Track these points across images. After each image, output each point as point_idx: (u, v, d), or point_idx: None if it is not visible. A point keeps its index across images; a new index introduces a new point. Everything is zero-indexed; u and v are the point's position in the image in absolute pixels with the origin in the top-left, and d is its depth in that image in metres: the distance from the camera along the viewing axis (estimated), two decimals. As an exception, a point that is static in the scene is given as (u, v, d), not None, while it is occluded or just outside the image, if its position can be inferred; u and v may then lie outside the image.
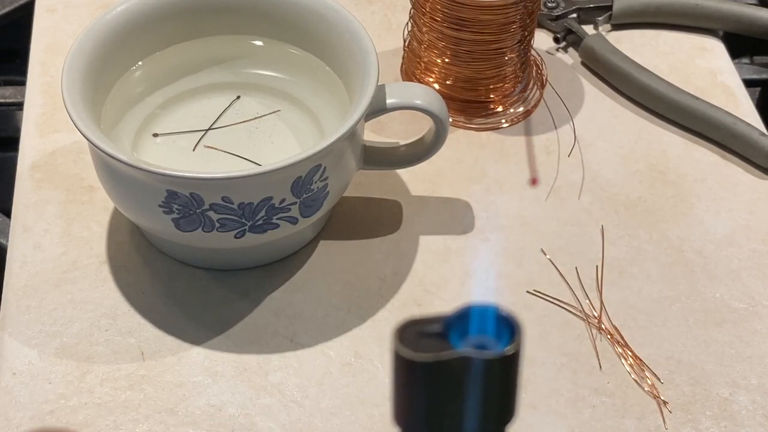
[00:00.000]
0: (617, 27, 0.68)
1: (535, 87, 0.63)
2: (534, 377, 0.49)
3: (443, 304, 0.51)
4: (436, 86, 0.60)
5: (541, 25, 0.67)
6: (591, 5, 0.67)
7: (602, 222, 0.56)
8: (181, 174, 0.45)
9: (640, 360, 0.50)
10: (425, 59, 0.60)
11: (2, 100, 0.67)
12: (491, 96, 0.61)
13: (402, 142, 0.54)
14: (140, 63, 0.54)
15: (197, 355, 0.49)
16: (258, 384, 0.48)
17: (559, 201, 0.57)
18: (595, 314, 0.51)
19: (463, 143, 0.59)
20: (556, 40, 0.66)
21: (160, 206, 0.47)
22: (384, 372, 0.49)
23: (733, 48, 0.68)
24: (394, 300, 0.51)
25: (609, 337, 0.50)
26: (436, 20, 0.57)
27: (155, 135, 0.53)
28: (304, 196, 0.48)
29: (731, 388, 0.49)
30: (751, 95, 0.65)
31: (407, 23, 0.61)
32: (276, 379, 0.48)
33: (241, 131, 0.53)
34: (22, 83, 0.63)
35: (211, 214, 0.47)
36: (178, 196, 0.46)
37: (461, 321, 0.21)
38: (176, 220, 0.48)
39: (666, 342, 0.51)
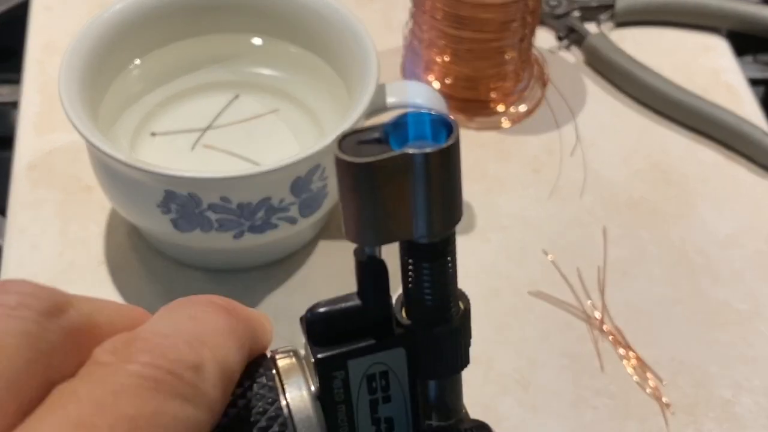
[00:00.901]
0: (620, 25, 0.67)
1: (537, 86, 0.62)
2: (535, 379, 0.48)
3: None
4: (437, 85, 0.60)
5: (542, 24, 0.66)
6: (593, 4, 0.67)
7: (604, 222, 0.55)
8: (179, 174, 0.45)
9: (643, 361, 0.49)
10: (425, 58, 0.60)
11: (-3, 99, 0.67)
12: (492, 95, 0.60)
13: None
14: (138, 61, 0.54)
15: (195, 356, 0.48)
16: (257, 386, 0.47)
17: (560, 201, 0.56)
18: (597, 315, 0.51)
19: (463, 142, 0.58)
20: (559, 39, 0.66)
21: (158, 206, 0.47)
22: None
23: (737, 46, 0.67)
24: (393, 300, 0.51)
25: (611, 338, 0.50)
26: (437, 18, 0.57)
27: (153, 134, 0.53)
28: (304, 195, 0.48)
29: (734, 390, 0.48)
30: (755, 94, 0.64)
31: (407, 22, 0.60)
32: (275, 380, 0.48)
33: (240, 130, 0.53)
34: (18, 82, 0.63)
35: (209, 214, 0.47)
36: (176, 196, 0.46)
37: (399, 127, 0.21)
38: (174, 221, 0.47)
39: (668, 343, 0.50)
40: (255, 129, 0.53)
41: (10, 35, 0.70)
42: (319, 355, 0.23)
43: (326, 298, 0.24)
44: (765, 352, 0.50)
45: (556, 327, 0.50)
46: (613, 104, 0.63)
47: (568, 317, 0.51)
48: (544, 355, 0.49)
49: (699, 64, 0.65)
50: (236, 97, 0.54)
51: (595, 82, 0.64)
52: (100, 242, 0.53)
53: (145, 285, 0.51)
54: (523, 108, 0.61)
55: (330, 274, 0.52)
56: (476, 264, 0.53)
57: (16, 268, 0.52)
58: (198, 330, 0.21)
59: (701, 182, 0.58)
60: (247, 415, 0.22)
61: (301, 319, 0.24)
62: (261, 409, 0.22)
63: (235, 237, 0.48)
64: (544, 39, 0.66)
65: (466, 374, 0.25)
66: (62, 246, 0.53)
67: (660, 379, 0.49)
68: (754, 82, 0.67)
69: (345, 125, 0.47)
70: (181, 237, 0.48)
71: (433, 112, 0.21)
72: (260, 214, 0.47)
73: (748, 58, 0.71)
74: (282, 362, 0.23)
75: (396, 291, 0.24)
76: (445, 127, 0.21)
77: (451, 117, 0.21)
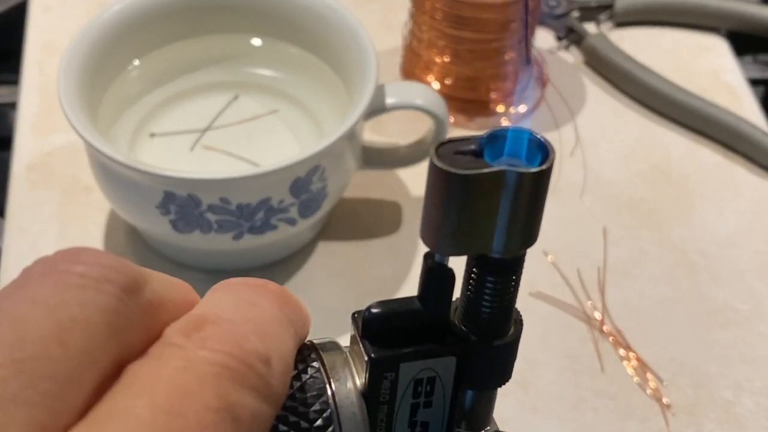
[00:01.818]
0: (619, 25, 0.67)
1: (537, 86, 0.62)
2: (536, 379, 0.48)
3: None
4: (436, 85, 0.60)
5: (542, 24, 0.66)
6: (593, 4, 0.67)
7: (604, 223, 0.55)
8: (178, 175, 0.45)
9: (643, 362, 0.49)
10: (425, 58, 0.60)
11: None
12: (492, 95, 0.60)
13: (402, 142, 0.53)
14: (137, 62, 0.54)
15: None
16: (256, 387, 0.47)
17: (560, 201, 0.56)
18: (598, 316, 0.51)
19: (463, 143, 0.59)
20: (558, 39, 0.66)
21: (157, 207, 0.47)
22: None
23: (737, 46, 0.67)
24: (394, 302, 0.51)
25: (611, 339, 0.50)
26: (436, 19, 0.57)
27: (152, 135, 0.52)
28: (303, 196, 0.48)
29: (735, 391, 0.48)
30: (755, 94, 0.64)
31: (407, 22, 0.60)
32: (275, 382, 0.48)
33: (240, 131, 0.53)
34: (16, 82, 0.63)
35: (209, 215, 0.47)
36: (175, 197, 0.46)
37: (496, 141, 0.21)
38: (174, 222, 0.47)
39: (669, 344, 0.50)
40: (254, 130, 0.53)
41: (8, 36, 0.70)
42: (374, 355, 0.23)
43: (384, 299, 0.23)
44: (765, 353, 0.50)
45: (556, 328, 0.50)
46: (613, 104, 0.62)
47: (568, 318, 0.51)
48: (544, 355, 0.49)
49: (699, 64, 0.65)
50: (236, 97, 0.54)
51: (595, 82, 0.64)
52: (100, 243, 0.53)
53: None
54: (522, 108, 0.61)
55: (330, 275, 0.52)
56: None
57: (15, 269, 0.52)
58: (261, 318, 0.21)
59: (701, 182, 0.58)
60: (293, 406, 0.22)
61: (354, 315, 0.23)
62: (308, 402, 0.22)
63: (235, 238, 0.48)
64: (544, 39, 0.66)
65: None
66: (61, 247, 0.52)
67: (660, 380, 0.49)
68: (754, 82, 0.67)
69: (344, 126, 0.47)
70: (181, 238, 0.48)
71: (533, 132, 0.21)
72: (260, 215, 0.47)
73: (748, 58, 0.71)
74: (327, 355, 0.23)
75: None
76: (540, 150, 0.21)
77: (550, 142, 0.21)
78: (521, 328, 0.24)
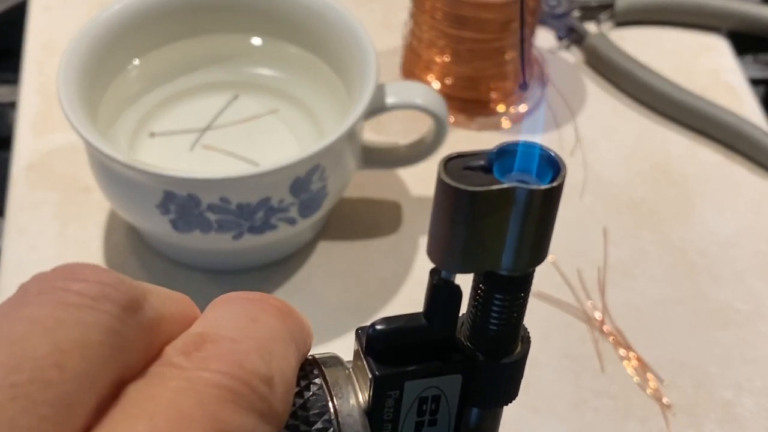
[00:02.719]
0: (620, 25, 0.67)
1: (537, 86, 0.62)
2: (536, 380, 0.48)
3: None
4: (437, 85, 0.60)
5: (542, 24, 0.66)
6: (593, 3, 0.67)
7: (605, 223, 0.55)
8: (178, 175, 0.45)
9: (643, 362, 0.49)
10: (425, 58, 0.60)
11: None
12: (492, 95, 0.60)
13: (402, 142, 0.53)
14: (137, 62, 0.54)
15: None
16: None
17: (561, 201, 0.56)
18: (598, 316, 0.51)
19: (463, 143, 0.59)
20: (559, 39, 0.66)
21: (157, 207, 0.47)
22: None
23: (737, 46, 0.67)
24: (394, 301, 0.51)
25: (611, 339, 0.50)
26: (437, 18, 0.57)
27: (152, 134, 0.52)
28: (303, 196, 0.47)
29: (735, 391, 0.48)
30: (755, 94, 0.64)
31: (407, 22, 0.60)
32: (274, 382, 0.48)
33: (240, 131, 0.53)
34: (16, 82, 0.63)
35: (208, 215, 0.47)
36: (175, 197, 0.46)
37: (505, 155, 0.21)
38: (173, 221, 0.47)
39: (669, 344, 0.50)
40: (254, 129, 0.53)
41: (8, 36, 0.70)
42: (378, 373, 0.22)
43: (388, 316, 0.23)
44: (766, 353, 0.50)
45: (556, 328, 0.50)
46: (613, 104, 0.62)
47: (568, 318, 0.51)
48: (544, 356, 0.49)
49: (699, 64, 0.65)
50: (235, 97, 0.54)
51: (595, 82, 0.64)
52: (99, 243, 0.53)
53: (144, 286, 0.51)
54: (523, 108, 0.61)
55: (330, 275, 0.52)
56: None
57: (14, 269, 0.52)
58: (263, 336, 0.20)
59: (702, 182, 0.58)
60: (295, 425, 0.22)
61: (358, 331, 0.23)
62: (310, 420, 0.22)
63: (235, 238, 0.48)
64: (544, 39, 0.65)
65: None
66: (61, 247, 0.53)
67: (660, 380, 0.48)
68: (754, 82, 0.67)
69: (344, 125, 0.46)
70: (181, 238, 0.48)
71: (544, 147, 0.21)
72: (260, 214, 0.47)
73: (749, 58, 0.71)
74: (329, 371, 0.23)
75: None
76: (551, 165, 0.21)
77: (561, 157, 0.21)
78: (529, 346, 0.24)
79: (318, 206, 0.49)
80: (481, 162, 0.21)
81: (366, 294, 0.51)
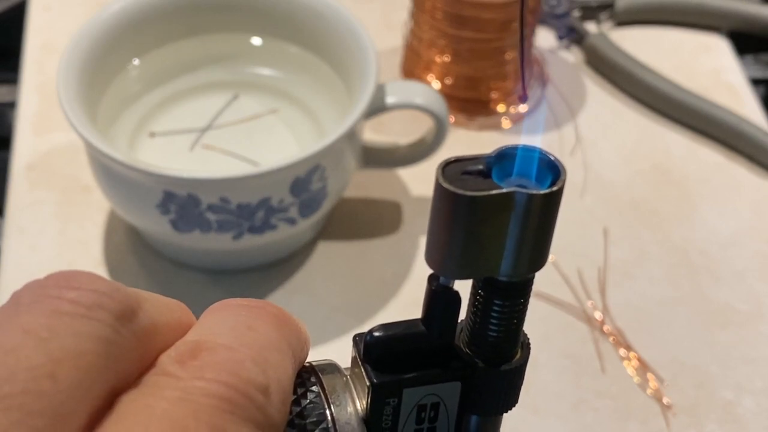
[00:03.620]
0: (620, 25, 0.67)
1: (537, 86, 0.62)
2: (536, 380, 0.48)
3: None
4: (437, 85, 0.60)
5: (542, 23, 0.66)
6: (593, 3, 0.67)
7: (605, 223, 0.55)
8: (178, 174, 0.45)
9: (644, 362, 0.49)
10: (425, 58, 0.60)
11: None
12: (492, 95, 0.60)
13: (402, 142, 0.53)
14: (137, 61, 0.53)
15: (194, 357, 0.48)
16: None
17: (561, 201, 0.56)
18: (598, 316, 0.51)
19: (463, 143, 0.59)
20: (559, 39, 0.66)
21: (157, 207, 0.46)
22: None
23: (737, 46, 0.67)
24: (394, 301, 0.51)
25: (612, 339, 0.50)
26: (437, 18, 0.57)
27: (152, 134, 0.52)
28: (303, 196, 0.47)
29: (736, 391, 0.48)
30: (756, 94, 0.64)
31: (407, 21, 0.60)
32: (274, 382, 0.47)
33: (240, 131, 0.53)
34: (16, 82, 0.63)
35: (208, 215, 0.46)
36: (175, 197, 0.46)
37: (504, 159, 0.21)
38: (173, 221, 0.47)
39: (670, 344, 0.50)
40: (254, 129, 0.53)
41: (8, 35, 0.70)
42: (376, 380, 0.22)
43: (386, 322, 0.23)
44: (766, 353, 0.50)
45: (556, 328, 0.50)
46: (614, 104, 0.62)
47: (568, 318, 0.51)
48: (544, 356, 0.49)
49: (699, 63, 0.65)
50: (235, 97, 0.54)
51: (595, 82, 0.64)
52: (99, 243, 0.53)
53: (144, 286, 0.51)
54: (523, 108, 0.61)
55: (329, 276, 0.52)
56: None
57: (14, 269, 0.52)
58: (259, 344, 0.20)
59: (702, 182, 0.58)
60: None
61: (356, 338, 0.23)
62: (307, 428, 0.22)
63: (235, 238, 0.48)
64: (544, 39, 0.65)
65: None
66: (61, 247, 0.53)
67: (661, 380, 0.48)
68: (754, 82, 0.67)
69: (344, 125, 0.46)
70: (180, 238, 0.48)
71: (543, 151, 0.21)
72: (260, 214, 0.47)
73: (749, 58, 0.70)
74: (326, 378, 0.23)
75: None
76: (550, 170, 0.20)
77: (561, 161, 0.20)
78: (528, 353, 0.23)
79: (318, 206, 0.49)
80: (480, 166, 0.21)
81: (366, 294, 0.51)
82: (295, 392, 0.22)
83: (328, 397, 0.22)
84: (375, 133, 0.58)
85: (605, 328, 0.50)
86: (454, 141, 0.57)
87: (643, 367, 0.49)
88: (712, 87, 0.63)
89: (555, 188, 0.20)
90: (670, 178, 0.58)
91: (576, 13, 0.66)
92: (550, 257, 0.54)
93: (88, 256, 0.52)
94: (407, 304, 0.51)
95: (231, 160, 0.51)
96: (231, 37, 0.55)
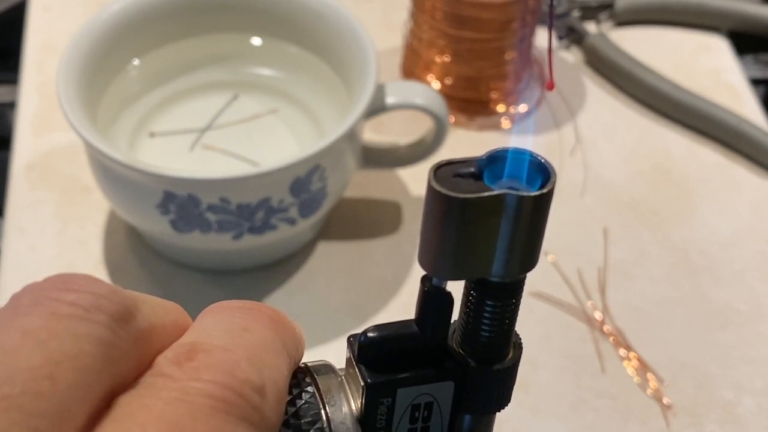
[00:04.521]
0: (620, 25, 0.67)
1: (537, 86, 0.62)
2: (536, 380, 0.48)
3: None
4: (437, 85, 0.60)
5: (543, 24, 0.66)
6: (593, 3, 0.67)
7: (605, 223, 0.55)
8: (178, 175, 0.45)
9: (644, 362, 0.49)
10: (425, 58, 0.59)
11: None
12: (492, 95, 0.60)
13: (402, 142, 0.53)
14: (137, 61, 0.53)
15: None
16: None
17: (561, 201, 0.56)
18: (598, 316, 0.51)
19: (463, 143, 0.59)
20: (559, 39, 0.66)
21: (157, 207, 0.46)
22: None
23: (737, 46, 0.67)
24: (394, 301, 0.51)
25: (612, 339, 0.50)
26: (437, 18, 0.57)
27: (152, 134, 0.52)
28: (303, 196, 0.47)
29: (736, 391, 0.48)
30: (755, 94, 0.64)
31: (407, 21, 0.60)
32: (274, 382, 0.47)
33: (239, 131, 0.53)
34: (16, 82, 0.63)
35: (208, 215, 0.46)
36: (175, 197, 0.46)
37: (495, 162, 0.21)
38: (173, 221, 0.47)
39: (670, 344, 0.50)
40: (254, 129, 0.53)
41: (8, 35, 0.70)
42: (370, 380, 0.22)
43: (380, 323, 0.23)
44: (766, 353, 0.50)
45: (556, 328, 0.50)
46: (613, 104, 0.62)
47: (568, 318, 0.51)
48: (544, 356, 0.49)
49: (699, 64, 0.65)
50: (235, 97, 0.54)
51: (595, 82, 0.64)
52: (99, 243, 0.53)
53: (144, 286, 0.51)
54: (523, 108, 0.61)
55: (329, 276, 0.52)
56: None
57: (14, 269, 0.51)
58: (255, 345, 0.20)
59: (702, 182, 0.58)
60: None
61: (350, 339, 0.23)
62: (302, 428, 0.22)
63: (235, 238, 0.48)
64: (544, 39, 0.65)
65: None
66: (60, 247, 0.53)
67: (661, 380, 0.48)
68: (754, 82, 0.67)
69: (344, 125, 0.46)
70: (180, 238, 0.48)
71: (533, 154, 0.21)
72: (260, 214, 0.47)
73: (749, 58, 0.70)
74: (321, 378, 0.23)
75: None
76: (541, 172, 0.21)
77: (551, 163, 0.21)
78: (521, 352, 0.24)
79: (318, 206, 0.49)
80: (471, 169, 0.21)
81: (366, 294, 0.51)
82: (290, 393, 0.22)
83: (323, 397, 0.22)
84: (375, 133, 0.58)
85: (605, 328, 0.50)
86: (454, 141, 0.57)
87: (643, 367, 0.49)
88: (712, 87, 0.63)
89: (545, 190, 0.20)
90: (670, 178, 0.58)
91: (576, 14, 0.66)
92: (550, 257, 0.54)
93: (88, 256, 0.52)
94: (407, 304, 0.51)
95: (231, 160, 0.51)
96: (231, 37, 0.55)
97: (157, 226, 0.48)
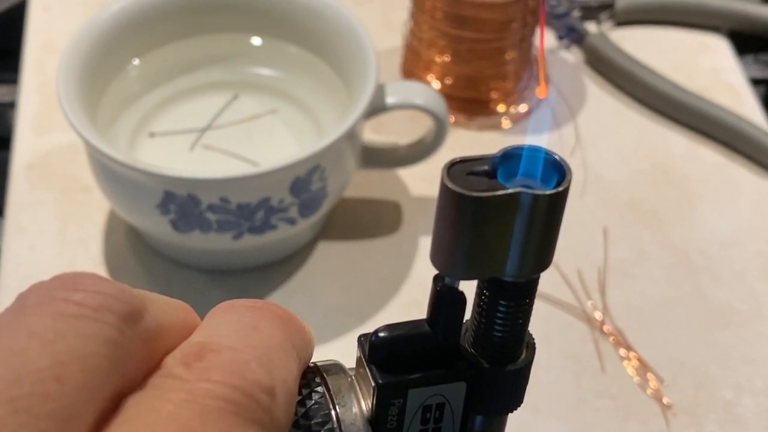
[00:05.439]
0: (620, 25, 0.67)
1: (537, 86, 0.62)
2: (536, 380, 0.48)
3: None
4: (437, 85, 0.60)
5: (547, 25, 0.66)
6: (593, 3, 0.67)
7: (605, 223, 0.55)
8: (178, 174, 0.45)
9: (644, 362, 0.49)
10: (425, 58, 0.60)
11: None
12: (492, 95, 0.60)
13: (402, 142, 0.53)
14: (137, 61, 0.53)
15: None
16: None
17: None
18: (598, 316, 0.51)
19: (463, 143, 0.59)
20: (559, 39, 0.66)
21: (157, 207, 0.46)
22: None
23: (737, 46, 0.67)
24: (394, 301, 0.51)
25: (612, 339, 0.50)
26: (437, 18, 0.57)
27: (152, 134, 0.52)
28: (303, 196, 0.47)
29: (736, 391, 0.48)
30: (756, 94, 0.64)
31: (407, 21, 0.60)
32: (274, 382, 0.47)
33: (239, 131, 0.53)
34: (16, 82, 0.63)
35: (208, 215, 0.46)
36: (175, 197, 0.46)
37: (509, 159, 0.21)
38: (173, 221, 0.47)
39: (670, 344, 0.50)
40: (254, 129, 0.53)
41: (8, 35, 0.70)
42: (381, 381, 0.22)
43: (391, 323, 0.23)
44: (766, 353, 0.50)
45: (556, 328, 0.50)
46: (614, 104, 0.62)
47: (568, 318, 0.51)
48: (544, 356, 0.49)
49: (700, 63, 0.65)
50: (235, 97, 0.54)
51: (595, 82, 0.64)
52: (99, 243, 0.53)
53: (144, 286, 0.51)
54: (523, 108, 0.61)
55: (330, 276, 0.52)
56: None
57: (14, 269, 0.52)
58: (264, 345, 0.20)
59: (702, 182, 0.58)
60: None
61: (360, 338, 0.23)
62: (312, 429, 0.22)
63: (235, 238, 0.48)
64: (545, 38, 0.65)
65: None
66: (61, 247, 0.53)
67: (661, 380, 0.48)
68: (754, 82, 0.67)
69: (344, 125, 0.46)
70: (180, 238, 0.48)
71: (548, 152, 0.20)
72: (260, 214, 0.47)
73: (749, 58, 0.70)
74: (331, 379, 0.23)
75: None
76: (556, 170, 0.20)
77: (566, 162, 0.20)
78: (534, 353, 0.23)
79: (318, 206, 0.49)
80: (485, 167, 0.20)
81: (366, 294, 0.51)
82: (300, 393, 0.22)
83: (333, 397, 0.22)
84: (375, 133, 0.58)
85: (605, 328, 0.50)
86: (454, 141, 0.57)
87: (643, 367, 0.49)
88: (712, 87, 0.63)
89: (560, 188, 0.20)
90: (670, 178, 0.58)
91: (576, 13, 0.66)
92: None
93: (88, 256, 0.52)
94: (407, 304, 0.51)
95: (231, 160, 0.51)
96: (231, 37, 0.55)
97: (157, 226, 0.48)
